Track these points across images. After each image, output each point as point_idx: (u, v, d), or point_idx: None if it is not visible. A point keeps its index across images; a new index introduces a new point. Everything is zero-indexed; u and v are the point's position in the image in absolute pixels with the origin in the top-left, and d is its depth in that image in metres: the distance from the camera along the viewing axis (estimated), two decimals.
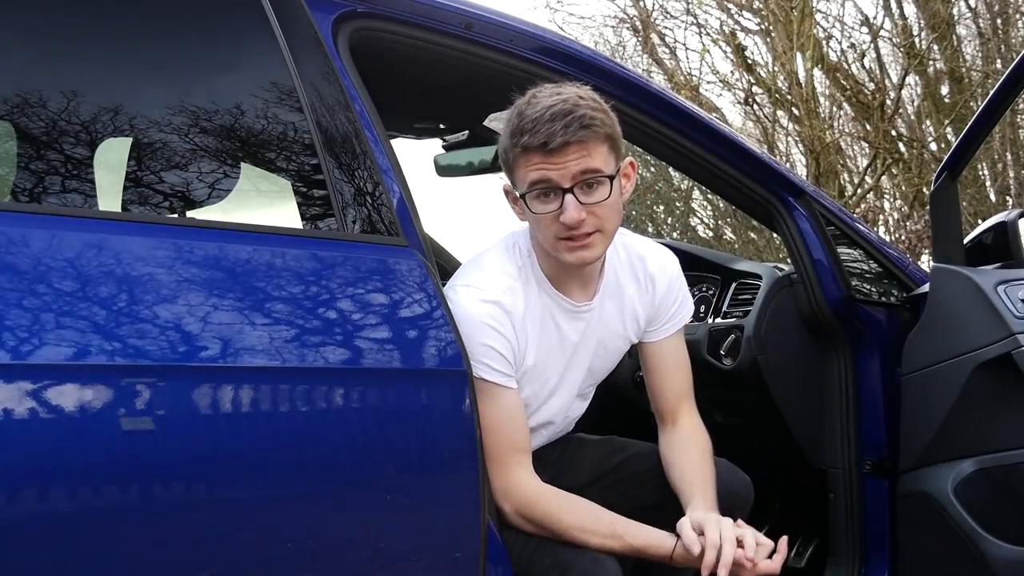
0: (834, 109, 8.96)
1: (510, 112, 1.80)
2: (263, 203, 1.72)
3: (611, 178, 1.77)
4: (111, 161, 1.56)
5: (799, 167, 8.72)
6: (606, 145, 1.76)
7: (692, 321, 2.68)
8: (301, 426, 1.45)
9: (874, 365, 2.40)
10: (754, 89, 8.93)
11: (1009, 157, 8.28)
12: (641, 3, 9.59)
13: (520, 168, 1.77)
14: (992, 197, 8.50)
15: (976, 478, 2.17)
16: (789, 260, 2.49)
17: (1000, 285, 2.15)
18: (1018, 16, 8.46)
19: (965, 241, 2.36)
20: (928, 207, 4.20)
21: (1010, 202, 8.12)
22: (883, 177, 8.69)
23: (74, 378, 1.28)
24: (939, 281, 2.29)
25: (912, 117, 8.92)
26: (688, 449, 1.95)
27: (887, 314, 2.44)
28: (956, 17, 8.53)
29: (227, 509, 1.40)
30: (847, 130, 9.02)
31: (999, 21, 8.34)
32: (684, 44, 11.23)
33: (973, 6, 8.56)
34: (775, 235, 2.88)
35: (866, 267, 2.48)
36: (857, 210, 8.08)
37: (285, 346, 1.45)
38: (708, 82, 9.52)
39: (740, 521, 1.78)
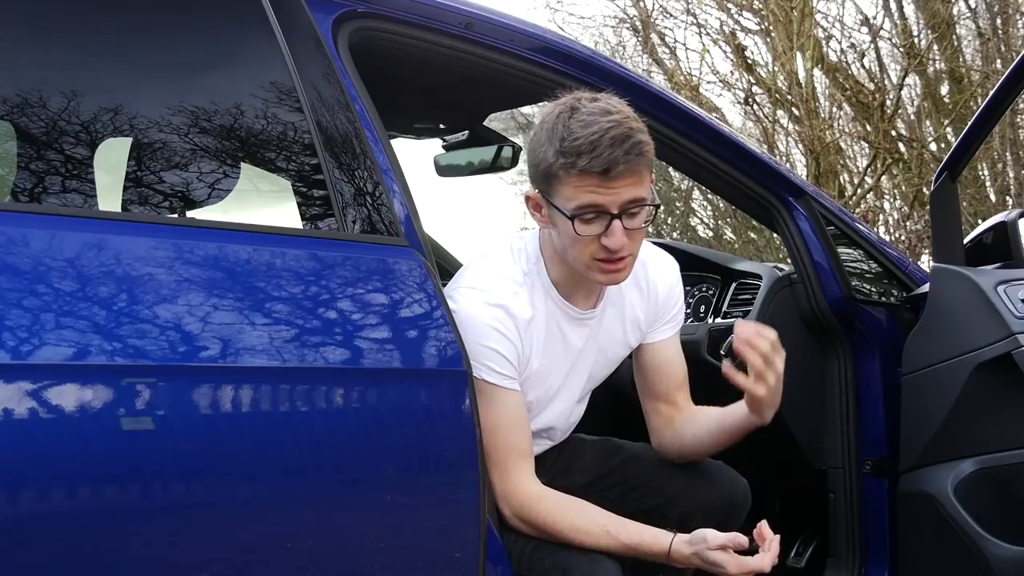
0: (834, 109, 8.96)
1: (549, 120, 1.75)
2: (263, 203, 1.72)
3: (653, 205, 1.77)
4: (111, 161, 1.56)
5: (799, 167, 8.72)
6: (647, 169, 1.76)
7: (692, 321, 2.69)
8: (301, 426, 1.45)
9: (874, 365, 2.40)
10: (754, 89, 8.93)
11: (1009, 157, 8.28)
12: (641, 3, 9.59)
13: (568, 187, 1.73)
14: (992, 197, 8.50)
15: (976, 478, 2.17)
16: (789, 260, 2.49)
17: (1000, 285, 2.16)
18: (1018, 16, 8.46)
19: (965, 241, 2.36)
20: (928, 207, 4.20)
21: (1010, 202, 8.12)
22: (883, 177, 8.69)
23: (74, 378, 1.28)
24: (939, 281, 2.29)
25: (912, 117, 8.92)
26: (700, 412, 2.00)
27: (887, 314, 2.44)
28: (956, 17, 8.53)
29: (227, 509, 1.40)
30: (847, 130, 9.02)
31: (999, 21, 8.34)
32: (684, 44, 11.21)
33: (973, 6, 8.56)
34: (775, 235, 2.88)
35: (866, 267, 2.48)
36: (857, 210, 8.08)
37: (285, 346, 1.45)
38: (708, 82, 9.51)
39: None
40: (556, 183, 1.74)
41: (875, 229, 7.81)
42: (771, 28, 8.72)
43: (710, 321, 2.67)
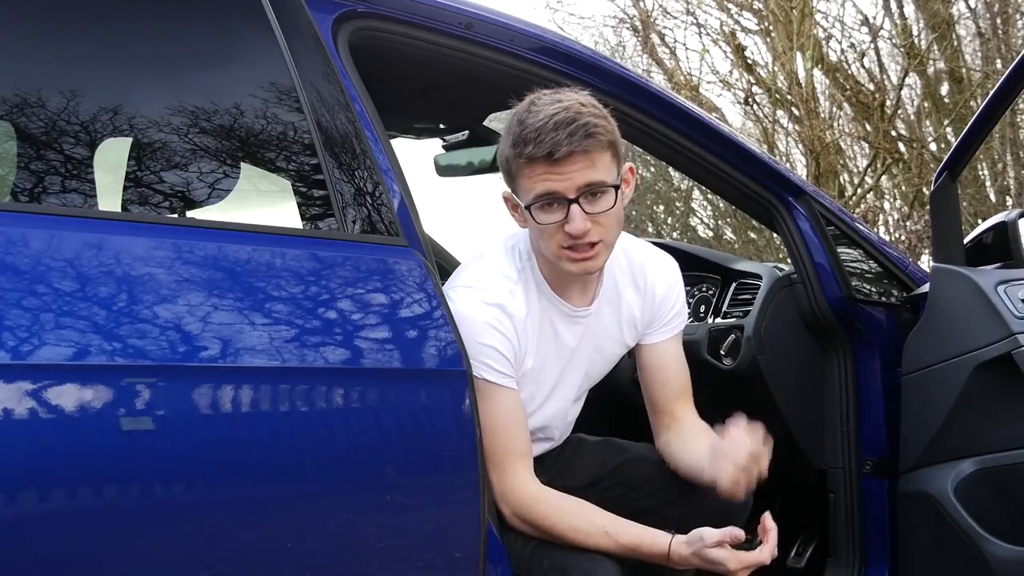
0: (834, 109, 8.95)
1: (509, 119, 1.79)
2: (263, 203, 1.72)
3: (615, 187, 1.77)
4: (111, 161, 1.56)
5: (799, 167, 8.71)
6: (608, 152, 1.76)
7: (692, 321, 2.69)
8: (301, 426, 1.45)
9: (874, 365, 2.40)
10: (754, 89, 8.93)
11: (1009, 157, 8.28)
12: (641, 3, 9.58)
13: (524, 178, 1.76)
14: (992, 197, 8.49)
15: (976, 478, 2.17)
16: (789, 260, 2.49)
17: (1000, 285, 2.16)
18: (1018, 16, 8.46)
19: (965, 241, 2.36)
20: (928, 207, 4.20)
21: (1010, 202, 8.12)
22: (883, 177, 8.69)
23: (74, 378, 1.28)
24: (939, 281, 2.29)
25: (912, 117, 8.92)
26: (696, 438, 1.95)
27: (887, 314, 2.44)
28: (956, 17, 8.53)
29: (227, 509, 1.40)
30: (847, 130, 9.02)
31: (999, 21, 8.34)
32: (684, 44, 11.22)
33: (973, 6, 8.56)
34: (775, 235, 2.88)
35: (866, 267, 2.48)
36: (857, 210, 8.08)
37: (285, 346, 1.45)
38: (708, 82, 9.51)
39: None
40: (517, 177, 1.77)
41: (875, 229, 7.81)
42: (771, 28, 8.72)
43: (710, 321, 2.67)
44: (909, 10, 8.65)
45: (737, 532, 1.71)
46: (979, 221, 5.84)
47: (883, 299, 2.47)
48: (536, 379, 1.89)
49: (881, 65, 8.66)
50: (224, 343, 1.40)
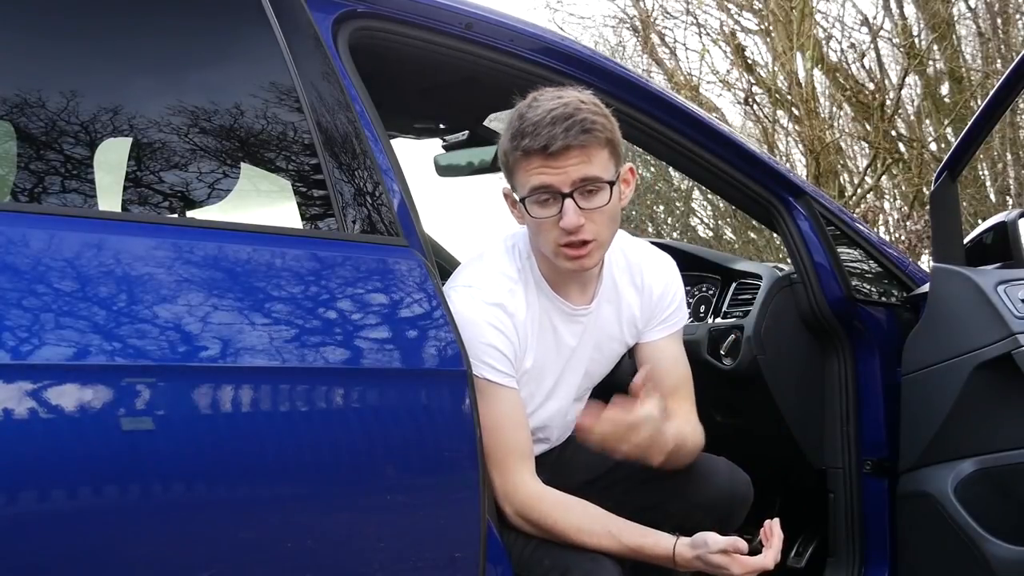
0: (834, 109, 8.96)
1: (511, 115, 1.80)
2: (263, 203, 1.72)
3: (611, 184, 1.77)
4: (111, 161, 1.56)
5: (799, 167, 8.72)
6: (606, 150, 1.76)
7: (692, 321, 2.69)
8: (301, 426, 1.45)
9: (874, 365, 2.40)
10: (754, 89, 8.93)
11: (1009, 157, 8.28)
12: (641, 3, 9.59)
13: (520, 172, 1.77)
14: (992, 197, 8.50)
15: (976, 478, 2.17)
16: (789, 260, 2.49)
17: (1000, 285, 2.16)
18: (1018, 16, 8.46)
19: (965, 241, 2.36)
20: (928, 207, 4.20)
21: (1010, 202, 8.12)
22: (883, 177, 8.69)
23: (74, 378, 1.28)
24: (939, 281, 2.29)
25: (912, 117, 8.92)
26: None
27: (887, 314, 2.44)
28: (956, 17, 8.53)
29: (227, 509, 1.40)
30: (847, 130, 9.02)
31: (999, 21, 8.34)
32: (684, 44, 11.22)
33: (973, 6, 8.56)
34: (775, 235, 2.88)
35: (866, 267, 2.48)
36: (857, 210, 8.08)
37: (285, 346, 1.45)
38: (708, 82, 9.51)
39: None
40: (514, 171, 1.79)
41: (875, 229, 7.81)
42: (771, 28, 8.72)
43: (710, 321, 2.67)
44: (909, 10, 8.66)
45: (740, 544, 1.72)
46: (979, 221, 5.84)
47: (883, 299, 2.47)
48: (536, 378, 1.89)
49: (881, 65, 8.66)
50: (224, 343, 1.40)
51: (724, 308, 2.66)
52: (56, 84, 1.47)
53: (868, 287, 2.46)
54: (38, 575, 1.25)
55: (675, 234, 10.03)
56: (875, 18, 8.56)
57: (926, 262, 6.83)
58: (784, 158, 8.75)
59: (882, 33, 8.58)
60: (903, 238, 7.94)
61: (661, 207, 10.30)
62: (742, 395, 2.53)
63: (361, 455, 1.51)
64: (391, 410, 1.55)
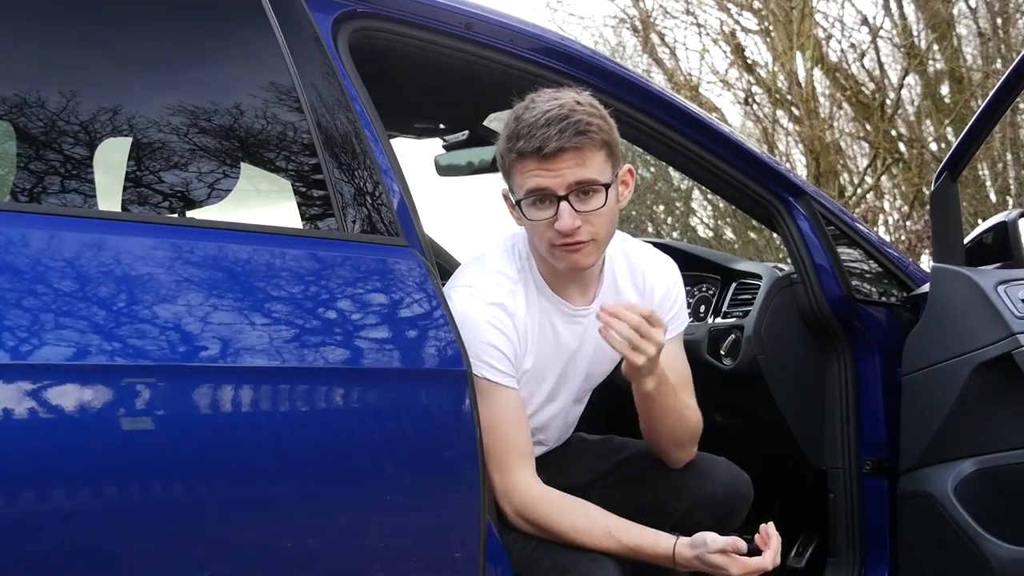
0: (834, 109, 8.96)
1: (508, 116, 1.79)
2: (263, 203, 1.72)
3: (607, 186, 1.77)
4: (111, 161, 1.56)
5: (799, 167, 8.72)
6: (603, 152, 1.76)
7: (692, 321, 2.69)
8: (301, 426, 1.45)
9: (874, 365, 2.40)
10: (754, 89, 8.93)
11: (1009, 157, 8.28)
12: (641, 3, 9.59)
13: (516, 174, 1.77)
14: (992, 197, 8.50)
15: (976, 478, 2.17)
16: (789, 260, 2.49)
17: (1000, 285, 2.16)
18: (1018, 16, 8.46)
19: (965, 241, 2.36)
20: (928, 207, 4.20)
21: (1010, 202, 8.12)
22: (883, 177, 8.70)
23: (74, 378, 1.28)
24: (939, 281, 2.29)
25: (912, 117, 8.92)
26: None
27: (887, 314, 2.44)
28: (956, 17, 8.53)
29: (227, 509, 1.40)
30: (847, 130, 9.03)
31: (999, 21, 8.34)
32: (684, 44, 11.23)
33: (973, 6, 8.56)
34: (775, 235, 2.88)
35: (866, 267, 2.48)
36: (857, 210, 8.09)
37: (285, 346, 1.45)
38: (708, 82, 9.53)
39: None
40: (510, 173, 1.79)
41: (875, 229, 7.81)
42: (771, 28, 8.72)
43: (710, 321, 2.67)
44: (909, 10, 8.66)
45: (740, 544, 1.72)
46: (979, 221, 5.84)
47: (883, 299, 2.47)
48: (536, 380, 1.89)
49: (881, 65, 8.67)
50: (224, 343, 1.40)
51: (724, 308, 2.66)
52: (56, 84, 1.47)
53: (868, 287, 2.46)
54: (38, 575, 1.25)
55: (675, 234, 10.03)
56: (875, 18, 8.58)
57: (926, 262, 6.83)
58: (784, 158, 8.75)
59: (882, 33, 8.59)
60: (903, 238, 7.95)
61: (661, 207, 10.30)
62: (742, 395, 2.53)
63: (361, 455, 1.51)
64: (391, 410, 1.55)
